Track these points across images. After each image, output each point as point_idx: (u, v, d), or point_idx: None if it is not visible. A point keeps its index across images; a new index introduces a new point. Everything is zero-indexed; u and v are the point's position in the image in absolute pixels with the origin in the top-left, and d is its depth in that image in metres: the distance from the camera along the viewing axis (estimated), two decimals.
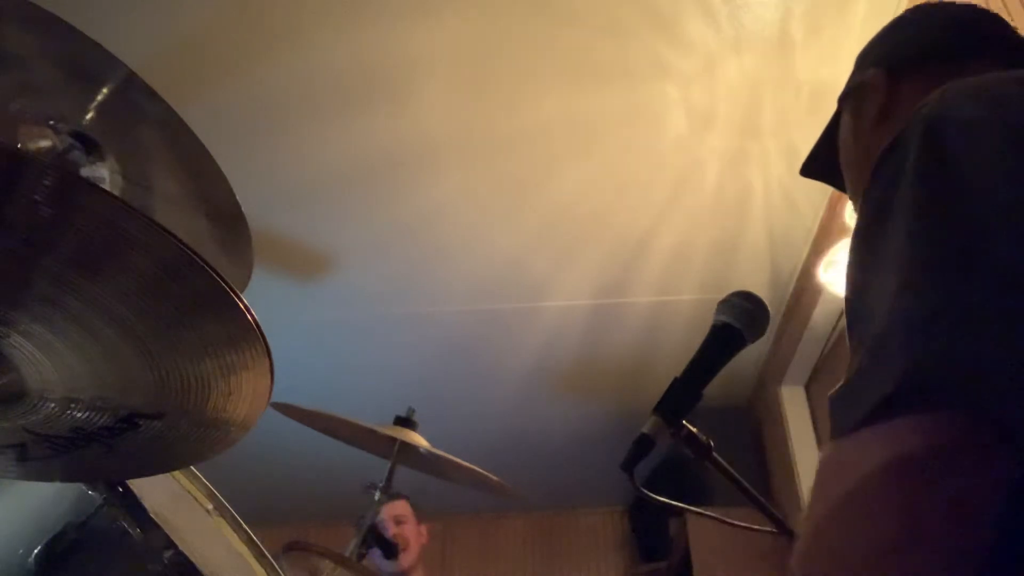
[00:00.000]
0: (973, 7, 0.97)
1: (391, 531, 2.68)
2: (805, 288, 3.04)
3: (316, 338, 3.43)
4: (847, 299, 0.66)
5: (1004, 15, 1.71)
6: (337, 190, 2.73)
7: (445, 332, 3.43)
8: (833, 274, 2.21)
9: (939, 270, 0.55)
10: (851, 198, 0.97)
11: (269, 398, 0.81)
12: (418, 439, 2.08)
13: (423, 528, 2.86)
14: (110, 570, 0.92)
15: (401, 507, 2.81)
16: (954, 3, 0.97)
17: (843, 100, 0.97)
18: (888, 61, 0.90)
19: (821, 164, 1.04)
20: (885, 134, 0.88)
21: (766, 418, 3.74)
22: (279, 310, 3.17)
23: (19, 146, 0.98)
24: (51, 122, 1.00)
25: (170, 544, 0.87)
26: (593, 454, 4.11)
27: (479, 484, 2.19)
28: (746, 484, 0.91)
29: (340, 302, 3.24)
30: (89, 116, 1.01)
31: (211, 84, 2.32)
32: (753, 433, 3.83)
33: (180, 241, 0.64)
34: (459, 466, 2.06)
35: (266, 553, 1.17)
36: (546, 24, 2.18)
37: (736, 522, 1.03)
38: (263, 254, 2.90)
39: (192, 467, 1.14)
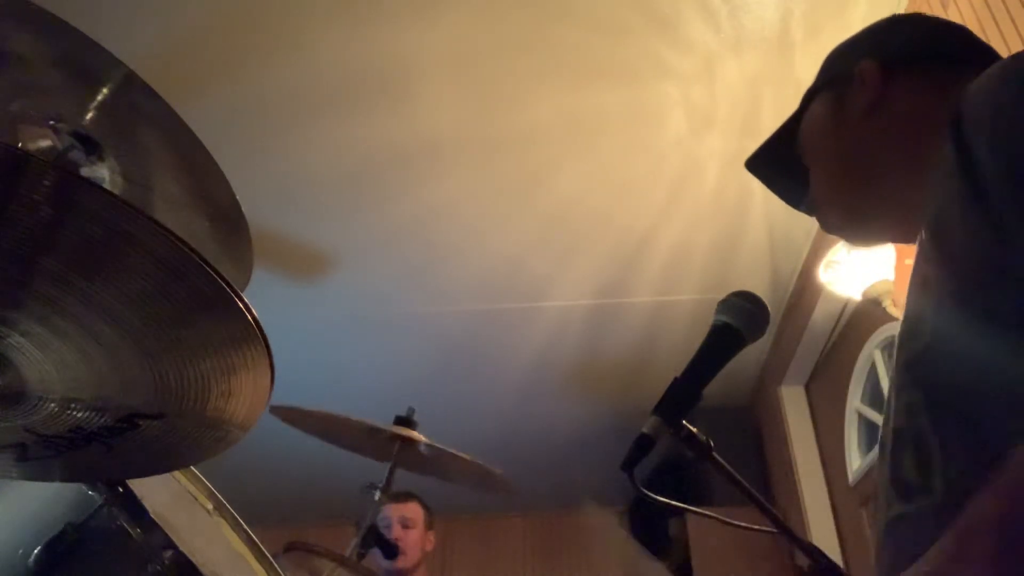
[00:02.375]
0: (950, 21, 0.99)
1: (394, 533, 2.67)
2: (805, 288, 3.04)
3: (316, 338, 3.43)
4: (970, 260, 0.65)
5: (1004, 15, 1.71)
6: (337, 190, 2.73)
7: (445, 332, 3.43)
8: (833, 274, 2.20)
9: None
10: (816, 188, 0.95)
11: (269, 398, 0.81)
12: (418, 438, 2.08)
13: (431, 534, 2.84)
14: (110, 570, 0.92)
15: (411, 510, 2.78)
16: (934, 16, 0.98)
17: (818, 90, 0.96)
18: (882, 56, 0.90)
19: (773, 158, 1.03)
20: (876, 126, 0.88)
21: (766, 418, 3.74)
22: (279, 310, 3.17)
23: (19, 146, 0.98)
24: (51, 122, 1.00)
25: (170, 544, 0.87)
26: (593, 454, 4.11)
27: (479, 480, 2.18)
28: (746, 484, 0.91)
29: (340, 302, 3.24)
30: (89, 116, 1.01)
31: (211, 84, 2.32)
32: (753, 433, 3.83)
33: (180, 240, 0.64)
34: (459, 461, 2.06)
35: (266, 553, 1.17)
36: (547, 25, 2.19)
37: (736, 522, 1.03)
38: (263, 254, 2.90)
39: (192, 467, 1.14)
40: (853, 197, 0.91)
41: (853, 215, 0.92)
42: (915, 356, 0.74)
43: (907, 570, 0.61)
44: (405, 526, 2.74)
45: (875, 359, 2.86)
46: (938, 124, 0.75)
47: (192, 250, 0.65)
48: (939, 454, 0.68)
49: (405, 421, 2.15)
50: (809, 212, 0.98)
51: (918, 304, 0.75)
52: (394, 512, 2.74)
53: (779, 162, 1.01)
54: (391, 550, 2.36)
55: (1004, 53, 0.86)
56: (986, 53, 0.90)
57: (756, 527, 1.02)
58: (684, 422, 0.91)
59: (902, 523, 0.73)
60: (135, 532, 0.87)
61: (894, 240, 0.92)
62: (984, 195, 0.63)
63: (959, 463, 0.66)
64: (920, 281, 0.75)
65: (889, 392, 0.80)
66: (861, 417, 3.00)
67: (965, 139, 0.66)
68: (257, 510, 2.03)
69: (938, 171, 0.70)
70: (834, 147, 0.92)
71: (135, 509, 0.88)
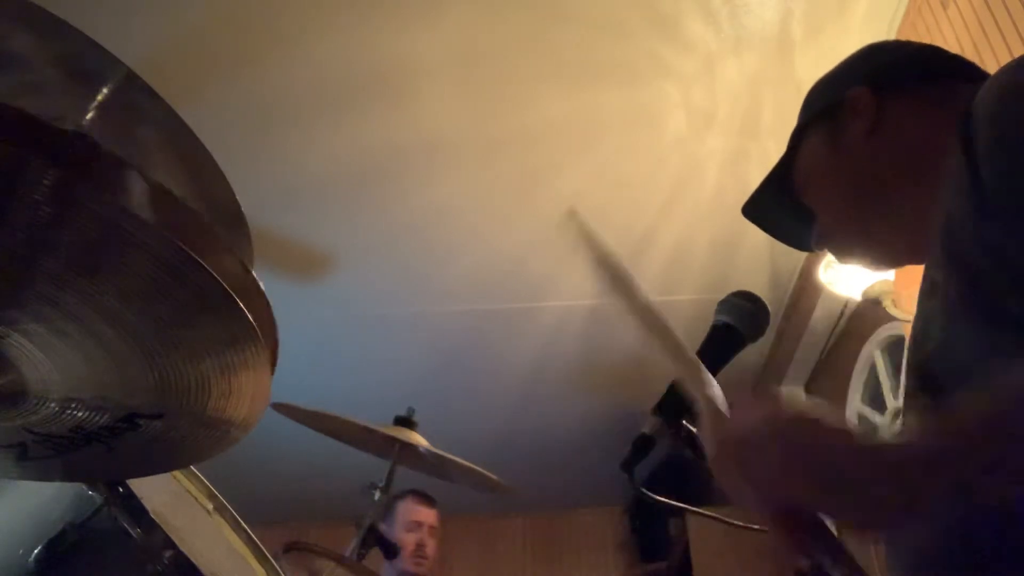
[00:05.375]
0: (925, 43, 1.00)
1: (426, 540, 2.67)
2: (805, 288, 3.04)
3: (316, 338, 3.43)
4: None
5: (1004, 15, 1.71)
6: (338, 190, 2.73)
7: (445, 332, 3.43)
8: (833, 274, 2.20)
9: None
10: (826, 222, 0.95)
11: (269, 398, 0.81)
12: (418, 439, 2.08)
13: None
14: (110, 570, 0.92)
15: (437, 517, 2.80)
16: (908, 40, 0.99)
17: (808, 125, 0.97)
18: (869, 81, 0.91)
19: (770, 201, 1.03)
20: (878, 151, 0.88)
21: None
22: (279, 310, 3.16)
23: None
24: (51, 122, 1.00)
25: (170, 544, 0.87)
26: (593, 454, 4.10)
27: (479, 484, 2.19)
28: None
29: (340, 302, 3.24)
30: (89, 116, 1.01)
31: (211, 84, 2.32)
32: None
33: (177, 241, 0.64)
34: (459, 466, 2.06)
35: (266, 553, 1.17)
36: (547, 25, 2.19)
37: (736, 522, 1.03)
38: (263, 254, 2.90)
39: (192, 467, 1.14)
40: (867, 224, 0.91)
41: (869, 242, 0.92)
42: (924, 359, 0.74)
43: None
44: (432, 534, 2.74)
45: (875, 359, 2.86)
46: (939, 140, 0.75)
47: (191, 251, 0.65)
48: None
49: (405, 421, 2.15)
50: (819, 248, 0.98)
51: (927, 308, 0.76)
52: (426, 518, 2.73)
53: (777, 204, 1.01)
54: (392, 550, 2.35)
55: (1004, 53, 0.86)
56: (969, 68, 0.91)
57: (756, 527, 1.01)
58: (684, 422, 0.91)
59: None
60: (135, 532, 0.87)
61: (912, 261, 0.92)
62: (991, 200, 0.64)
63: None
64: (928, 285, 0.75)
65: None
66: (861, 417, 3.00)
67: (973, 145, 0.66)
68: (257, 510, 2.03)
69: (947, 181, 0.71)
70: (839, 177, 0.92)
71: (135, 509, 0.88)
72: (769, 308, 0.97)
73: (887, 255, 0.95)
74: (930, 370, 0.73)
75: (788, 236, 1.07)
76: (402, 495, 2.78)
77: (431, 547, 2.72)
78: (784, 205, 0.99)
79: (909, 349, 0.78)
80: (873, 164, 0.89)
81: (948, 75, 0.90)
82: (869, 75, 0.93)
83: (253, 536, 1.17)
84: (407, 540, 2.66)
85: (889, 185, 0.87)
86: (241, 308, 0.70)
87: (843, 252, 0.97)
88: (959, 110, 0.69)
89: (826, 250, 0.98)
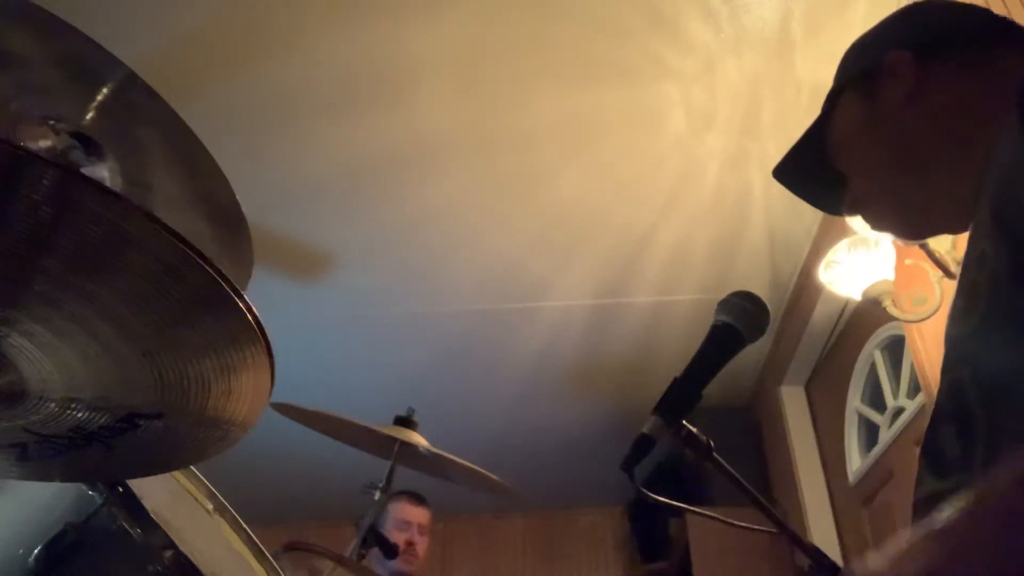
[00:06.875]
0: (967, 2, 0.96)
1: (416, 538, 2.69)
2: (805, 288, 3.04)
3: (316, 338, 3.43)
4: None
5: (1004, 15, 1.71)
6: (337, 190, 2.73)
7: (445, 332, 3.44)
8: (833, 274, 2.20)
9: None
10: (862, 189, 0.93)
11: (269, 398, 0.81)
12: (418, 439, 2.08)
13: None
14: (110, 570, 0.92)
15: (427, 516, 2.81)
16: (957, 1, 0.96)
17: (843, 89, 0.94)
18: (909, 44, 0.88)
19: (802, 166, 1.01)
20: (919, 116, 0.85)
21: (766, 418, 3.74)
22: (279, 310, 3.17)
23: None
24: (51, 122, 1.00)
25: (170, 544, 0.87)
26: (593, 454, 4.11)
27: (479, 484, 2.18)
28: (746, 484, 0.91)
29: (340, 302, 3.25)
30: (89, 116, 1.01)
31: (212, 83, 2.32)
32: (753, 433, 3.84)
33: (180, 238, 0.64)
34: (459, 466, 2.06)
35: (266, 553, 1.17)
36: (546, 25, 2.19)
37: (736, 522, 1.03)
38: (263, 254, 2.90)
39: (192, 467, 1.14)
40: (906, 192, 0.88)
41: (908, 210, 0.90)
42: (966, 333, 0.72)
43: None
44: (422, 533, 2.75)
45: (875, 359, 2.86)
46: (985, 109, 0.72)
47: (192, 247, 0.65)
48: (984, 431, 0.66)
49: (405, 421, 2.14)
50: (851, 214, 0.96)
51: (974, 280, 0.72)
52: (417, 517, 2.74)
53: (808, 169, 0.99)
54: (392, 550, 2.35)
55: None
56: (1010, 27, 0.87)
57: (756, 527, 1.02)
58: (684, 422, 0.91)
59: (936, 501, 0.69)
60: (135, 532, 0.87)
61: (948, 230, 0.90)
62: None
63: (1004, 441, 0.64)
64: (976, 256, 0.72)
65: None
66: (861, 417, 3.00)
67: None
68: (257, 510, 2.04)
69: (997, 149, 0.68)
70: (876, 145, 0.90)
71: (135, 509, 0.88)
72: (769, 308, 0.97)
73: (921, 225, 0.92)
74: (970, 345, 0.71)
75: (819, 201, 1.04)
76: (394, 496, 2.79)
77: (421, 546, 2.74)
78: (816, 169, 0.97)
79: (948, 323, 0.76)
80: (913, 132, 0.86)
81: (996, 39, 0.86)
82: (910, 37, 0.89)
83: (253, 536, 1.16)
84: (397, 539, 2.67)
85: (928, 154, 0.85)
86: (241, 308, 0.70)
87: (876, 220, 0.94)
88: (1011, 77, 0.66)
89: (858, 216, 0.95)
